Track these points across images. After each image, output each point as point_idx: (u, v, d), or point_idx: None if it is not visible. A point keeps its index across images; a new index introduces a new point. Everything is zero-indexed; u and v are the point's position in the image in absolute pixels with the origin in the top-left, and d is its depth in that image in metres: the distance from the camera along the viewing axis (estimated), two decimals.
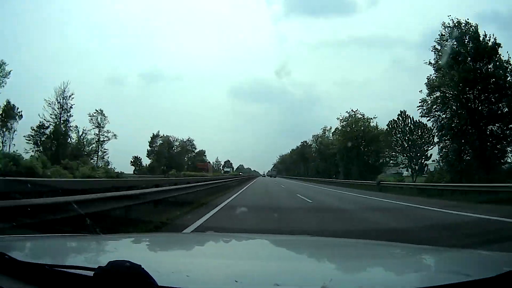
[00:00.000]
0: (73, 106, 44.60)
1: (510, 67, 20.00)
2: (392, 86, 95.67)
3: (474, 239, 5.48)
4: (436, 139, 26.52)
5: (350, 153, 40.25)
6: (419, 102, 22.80)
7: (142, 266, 0.93)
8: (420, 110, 23.10)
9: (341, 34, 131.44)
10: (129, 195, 6.17)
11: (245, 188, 23.47)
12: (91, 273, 0.95)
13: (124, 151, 72.44)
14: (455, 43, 21.11)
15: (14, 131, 42.20)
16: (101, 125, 51.11)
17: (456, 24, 21.02)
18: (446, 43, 21.53)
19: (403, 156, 43.48)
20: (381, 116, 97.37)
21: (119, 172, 34.78)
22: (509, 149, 20.54)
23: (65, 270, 1.02)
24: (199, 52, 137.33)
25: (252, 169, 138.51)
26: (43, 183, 7.82)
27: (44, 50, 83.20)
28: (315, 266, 1.51)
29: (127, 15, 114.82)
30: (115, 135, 51.68)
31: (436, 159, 28.30)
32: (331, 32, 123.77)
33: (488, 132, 20.49)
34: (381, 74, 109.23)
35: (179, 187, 10.04)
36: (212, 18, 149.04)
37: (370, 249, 2.04)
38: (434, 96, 22.08)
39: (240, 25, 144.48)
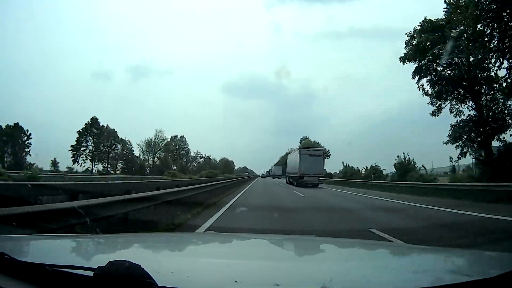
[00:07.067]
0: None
1: None
2: (395, 81, 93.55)
3: None
4: None
5: None
6: None
7: (142, 266, 0.93)
8: None
9: (340, 24, 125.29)
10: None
11: None
12: (91, 273, 0.95)
13: None
14: None
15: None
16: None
17: None
18: None
19: None
20: (382, 115, 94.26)
21: None
22: None
23: (65, 270, 1.02)
24: (188, 46, 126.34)
25: (238, 167, 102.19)
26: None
27: (30, 44, 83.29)
28: (315, 266, 1.50)
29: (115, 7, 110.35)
30: None
31: None
32: (329, 22, 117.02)
33: None
34: (383, 68, 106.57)
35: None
36: (202, 7, 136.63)
37: (370, 249, 2.04)
38: None
39: (231, 12, 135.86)
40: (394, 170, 33.74)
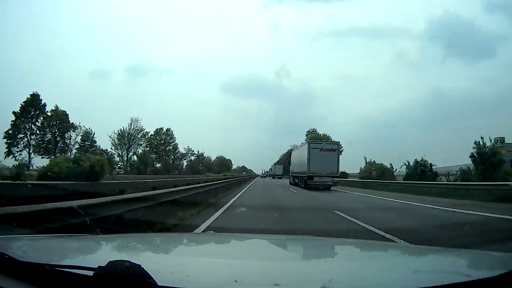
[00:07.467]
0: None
1: None
2: (395, 81, 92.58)
3: None
4: None
5: None
6: None
7: (142, 266, 0.93)
8: None
9: (340, 23, 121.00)
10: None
11: None
12: (91, 273, 0.95)
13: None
14: None
15: None
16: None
17: None
18: None
19: None
20: (382, 113, 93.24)
21: None
22: None
23: (65, 270, 1.02)
24: (187, 45, 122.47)
25: (237, 166, 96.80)
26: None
27: (30, 44, 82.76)
28: (315, 266, 1.51)
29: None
30: None
31: None
32: (328, 22, 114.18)
33: None
34: (383, 68, 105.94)
35: None
36: (201, 6, 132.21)
37: (370, 249, 2.04)
38: None
39: (230, 12, 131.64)
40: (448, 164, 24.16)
